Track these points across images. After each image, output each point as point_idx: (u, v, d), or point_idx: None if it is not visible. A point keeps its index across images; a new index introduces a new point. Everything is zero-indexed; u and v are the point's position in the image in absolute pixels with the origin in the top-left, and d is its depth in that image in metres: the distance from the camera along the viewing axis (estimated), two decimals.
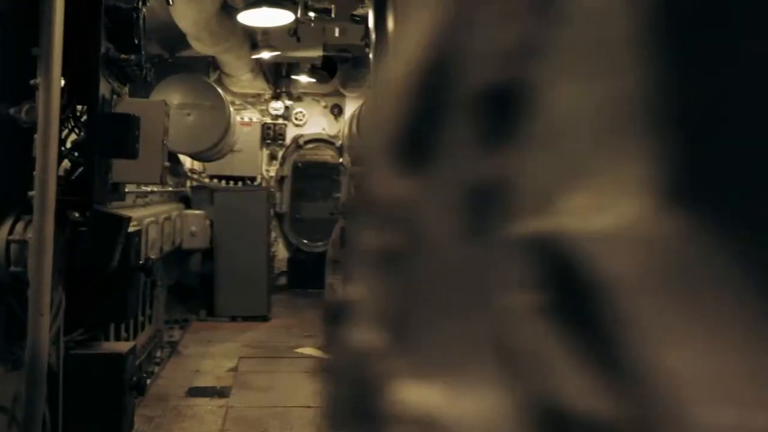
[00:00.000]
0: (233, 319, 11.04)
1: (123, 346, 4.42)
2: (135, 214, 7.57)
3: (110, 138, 3.81)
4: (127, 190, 7.18)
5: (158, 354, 8.96)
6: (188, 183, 12.31)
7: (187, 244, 10.36)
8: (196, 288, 11.75)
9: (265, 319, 11.15)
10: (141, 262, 4.62)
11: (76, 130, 3.87)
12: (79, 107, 3.85)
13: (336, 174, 13.46)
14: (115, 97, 4.07)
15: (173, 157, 10.87)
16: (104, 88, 3.87)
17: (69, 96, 3.72)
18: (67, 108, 3.76)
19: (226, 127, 10.44)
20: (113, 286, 4.05)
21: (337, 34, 10.76)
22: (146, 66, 4.32)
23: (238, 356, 8.85)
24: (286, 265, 14.63)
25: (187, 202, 11.20)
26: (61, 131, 3.65)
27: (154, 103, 4.39)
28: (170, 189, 9.93)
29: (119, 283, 4.08)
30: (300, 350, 9.29)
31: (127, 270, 4.13)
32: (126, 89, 4.40)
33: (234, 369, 8.26)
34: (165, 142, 4.43)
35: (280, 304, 12.36)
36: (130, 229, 4.20)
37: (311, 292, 14.35)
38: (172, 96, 10.22)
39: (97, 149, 3.81)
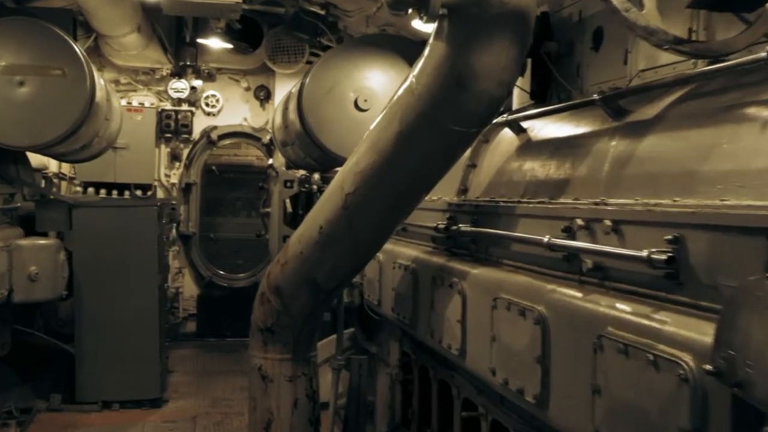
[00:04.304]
0: (106, 406, 7.12)
1: None
2: None
3: None
4: None
5: None
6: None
7: (21, 294, 6.38)
8: (49, 356, 7.71)
9: (157, 403, 7.25)
10: None
11: None
12: None
13: (263, 180, 9.68)
14: None
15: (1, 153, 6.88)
16: None
17: None
18: None
19: (87, 104, 6.51)
20: None
21: None
22: None
23: None
24: (194, 305, 10.70)
25: (30, 224, 7.17)
26: None
27: None
28: None
29: None
30: None
31: None
32: None
33: None
34: None
35: (184, 366, 8.52)
36: None
37: (230, 342, 10.48)
38: None
39: None
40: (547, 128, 3.94)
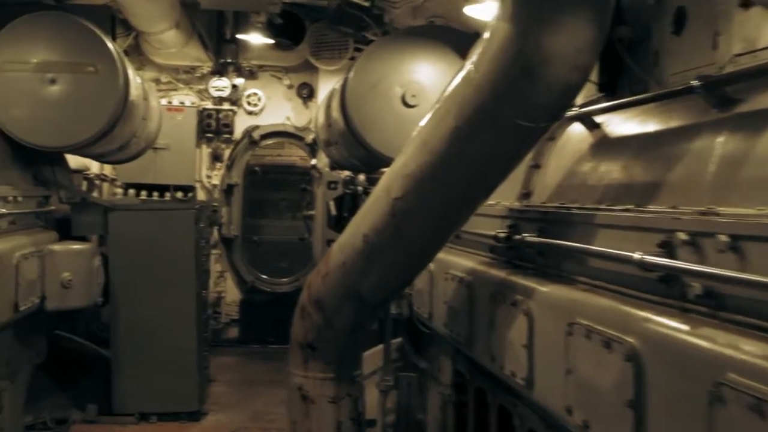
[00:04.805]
0: (143, 418, 6.84)
1: None
2: None
3: None
4: None
5: None
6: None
7: (53, 302, 6.10)
8: (88, 362, 7.46)
9: (195, 416, 6.92)
10: None
11: None
12: None
13: (306, 181, 9.31)
14: None
15: (33, 155, 6.62)
16: None
17: None
18: None
19: (120, 103, 6.20)
20: None
21: None
22: None
23: None
24: (237, 310, 10.39)
25: (67, 228, 6.91)
26: None
27: None
28: (15, 210, 5.66)
29: None
30: None
31: None
32: None
33: None
34: None
35: (226, 375, 8.20)
36: None
37: (273, 350, 10.15)
38: (25, 49, 6.01)
39: None
40: (627, 123, 3.39)
